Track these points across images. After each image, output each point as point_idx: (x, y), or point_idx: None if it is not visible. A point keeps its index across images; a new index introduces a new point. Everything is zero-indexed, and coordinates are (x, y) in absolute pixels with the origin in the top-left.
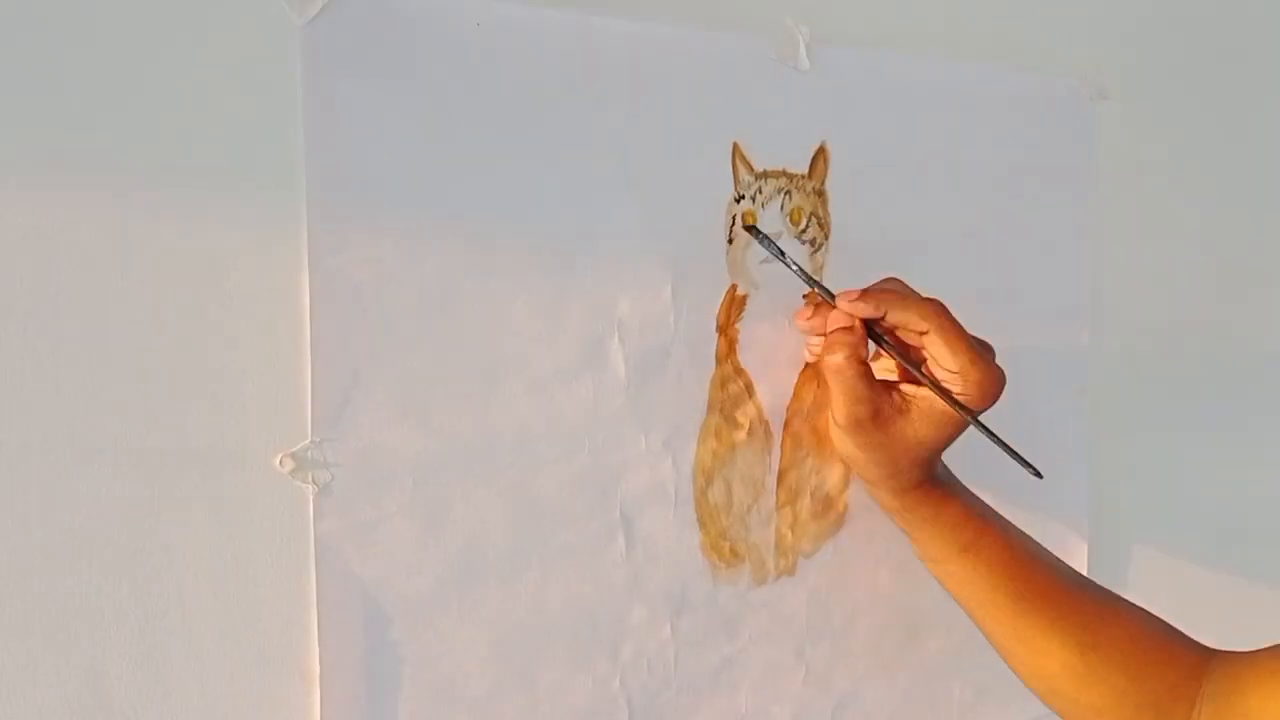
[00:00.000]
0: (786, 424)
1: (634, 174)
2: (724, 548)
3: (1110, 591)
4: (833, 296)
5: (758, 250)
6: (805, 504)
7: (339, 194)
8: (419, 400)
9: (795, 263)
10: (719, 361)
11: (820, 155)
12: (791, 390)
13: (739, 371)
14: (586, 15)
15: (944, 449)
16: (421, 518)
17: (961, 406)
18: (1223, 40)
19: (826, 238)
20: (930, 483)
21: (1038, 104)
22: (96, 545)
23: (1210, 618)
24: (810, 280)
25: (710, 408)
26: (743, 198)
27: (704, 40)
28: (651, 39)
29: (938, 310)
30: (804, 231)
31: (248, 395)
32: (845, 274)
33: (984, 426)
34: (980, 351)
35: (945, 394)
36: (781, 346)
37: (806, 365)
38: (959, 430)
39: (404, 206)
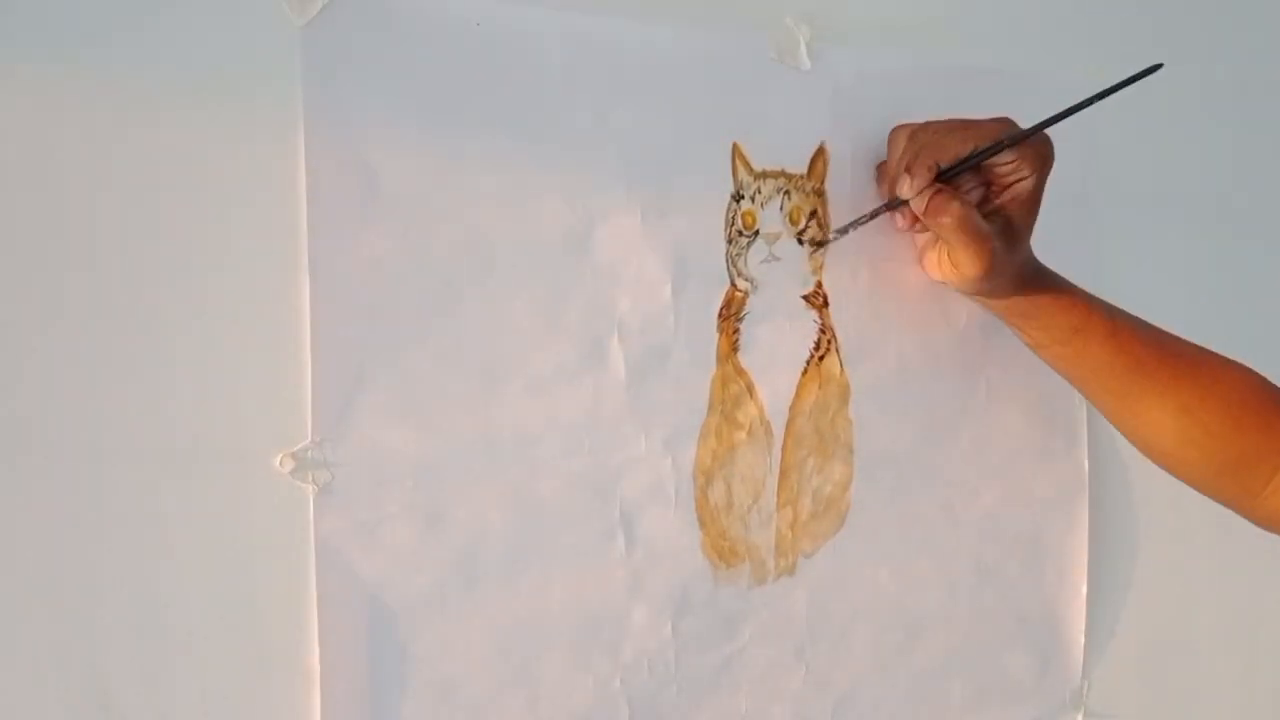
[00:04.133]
0: (787, 424)
1: (634, 174)
2: (724, 548)
3: (1214, 355)
4: (897, 201)
5: (757, 250)
6: (805, 504)
7: (339, 194)
8: (419, 400)
9: (866, 217)
10: (720, 361)
11: (820, 155)
12: (793, 390)
13: (740, 372)
14: (586, 15)
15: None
16: (422, 518)
17: (1041, 125)
18: (1223, 40)
19: (826, 237)
20: (1039, 272)
21: (1037, 104)
22: (96, 545)
23: (1212, 610)
24: (879, 210)
25: (711, 408)
26: (742, 197)
27: (704, 40)
28: (651, 39)
29: (964, 125)
30: (803, 231)
31: (248, 395)
32: (845, 273)
33: (1068, 110)
34: (1013, 126)
35: (1022, 134)
36: (782, 346)
37: (808, 366)
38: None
39: (404, 206)
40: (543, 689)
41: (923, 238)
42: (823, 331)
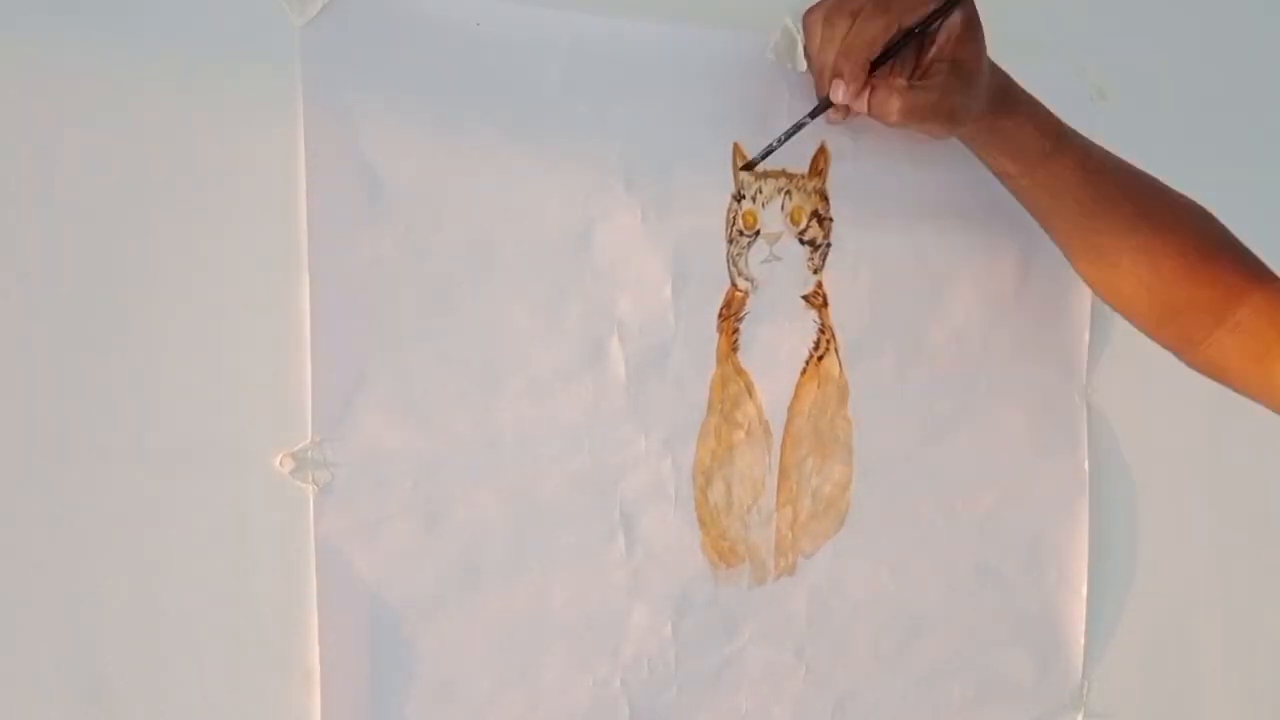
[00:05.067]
0: (787, 424)
1: (634, 174)
2: (724, 548)
3: (1181, 200)
4: (827, 105)
5: (758, 250)
6: (805, 504)
7: (339, 194)
8: (419, 400)
9: (785, 135)
10: (720, 362)
11: (821, 155)
12: (792, 390)
13: (740, 372)
14: (586, 15)
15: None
16: (422, 518)
17: None
18: (1223, 39)
19: (826, 238)
20: (1009, 92)
21: None
22: (96, 545)
23: (1212, 610)
24: (805, 118)
25: (710, 408)
26: (743, 197)
27: (704, 40)
28: (651, 39)
29: (882, 7)
30: (804, 231)
31: (248, 395)
32: (845, 273)
33: None
34: None
35: (943, 9)
36: (782, 346)
37: (807, 366)
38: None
39: (404, 206)
40: (543, 689)
41: None
42: (822, 331)
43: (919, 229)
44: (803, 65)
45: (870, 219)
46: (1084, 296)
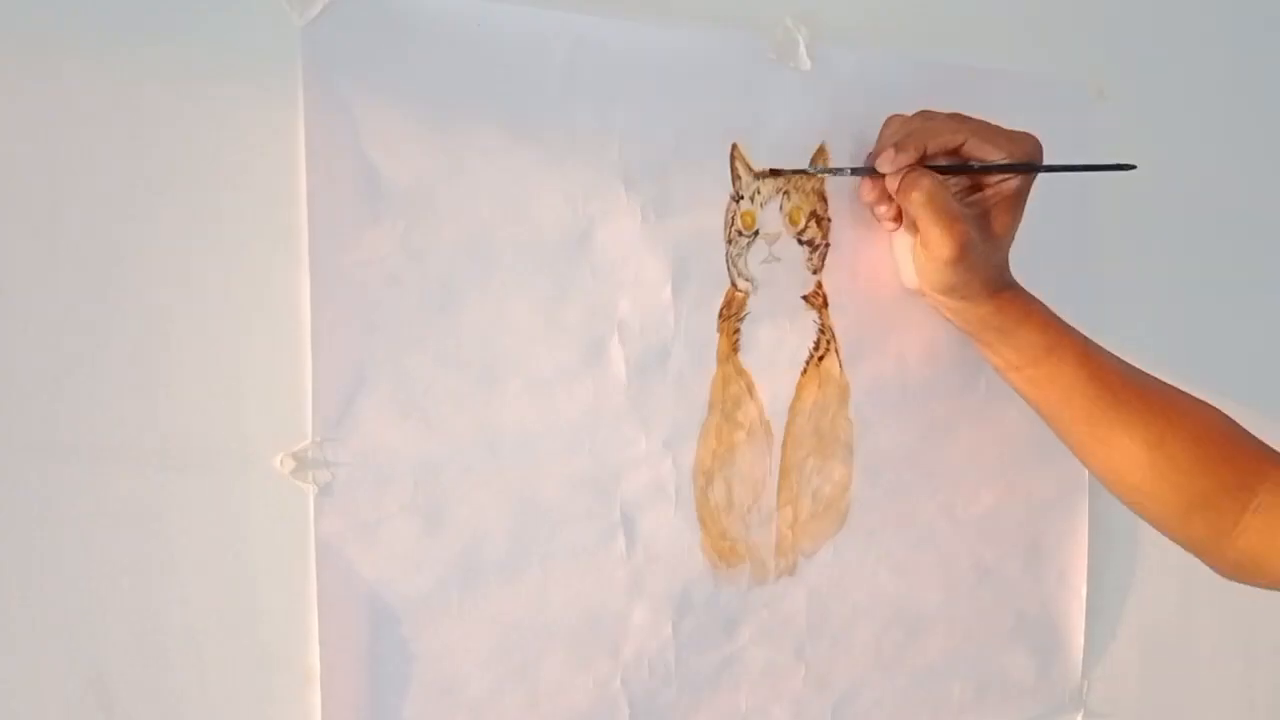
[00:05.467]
0: (787, 424)
1: (634, 174)
2: (724, 548)
3: (1183, 393)
4: (872, 171)
5: (757, 250)
6: (805, 504)
7: (339, 194)
8: (419, 400)
9: (817, 171)
10: (720, 362)
11: (820, 155)
12: (793, 390)
13: (740, 372)
14: (586, 15)
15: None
16: (422, 518)
17: (1032, 166)
18: (1223, 38)
19: (826, 238)
20: (1013, 286)
21: (1037, 103)
22: (96, 545)
23: (1212, 610)
24: (853, 170)
25: (711, 408)
26: (742, 198)
27: (704, 40)
28: (651, 39)
29: (961, 119)
30: (803, 231)
31: (248, 395)
32: (845, 273)
33: (1056, 165)
34: (1006, 128)
35: (1014, 167)
36: (782, 347)
37: (807, 366)
38: (1023, 206)
39: (404, 206)
40: (543, 689)
41: (896, 236)
42: (822, 332)
43: None
44: (805, 65)
45: (870, 219)
46: (1082, 297)
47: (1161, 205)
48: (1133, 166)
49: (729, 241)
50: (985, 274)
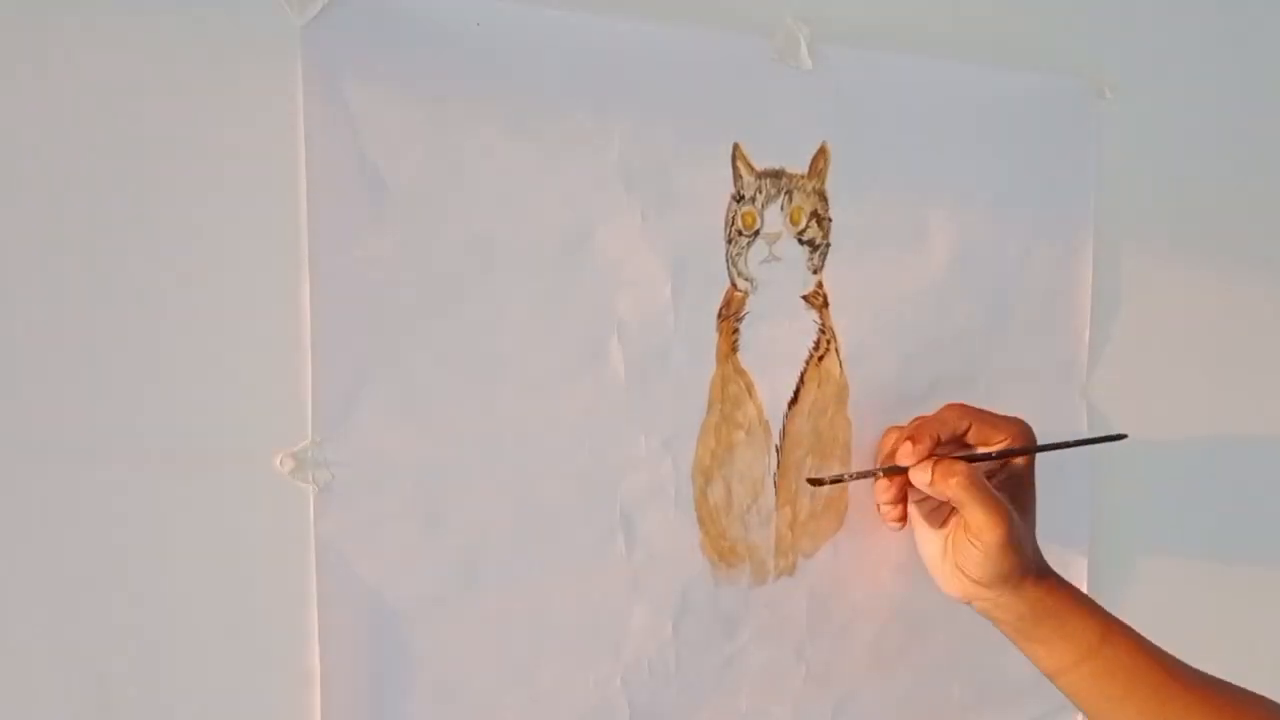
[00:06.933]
0: (786, 424)
1: (634, 174)
2: (724, 548)
3: (1234, 686)
4: (896, 469)
5: (757, 250)
6: (805, 504)
7: (339, 194)
8: (419, 400)
9: (854, 476)
10: (720, 362)
11: (821, 155)
12: (792, 390)
13: (740, 372)
14: (587, 15)
15: None
16: (422, 518)
17: (1041, 447)
18: (1225, 37)
19: (826, 238)
20: (1053, 571)
21: (1040, 102)
22: (96, 545)
23: (1212, 610)
24: (867, 472)
25: (710, 407)
26: (743, 198)
27: (704, 40)
28: (652, 39)
29: (962, 407)
30: (803, 231)
31: (248, 395)
32: (845, 273)
33: (1058, 443)
34: (998, 413)
35: (1025, 450)
36: (782, 346)
37: (807, 366)
38: (1034, 484)
39: (404, 206)
40: (543, 689)
41: (922, 543)
42: (822, 331)
43: (918, 229)
44: (806, 64)
45: (870, 219)
46: (1084, 296)
47: (1165, 203)
48: (1124, 436)
49: (729, 241)
50: (1027, 557)
